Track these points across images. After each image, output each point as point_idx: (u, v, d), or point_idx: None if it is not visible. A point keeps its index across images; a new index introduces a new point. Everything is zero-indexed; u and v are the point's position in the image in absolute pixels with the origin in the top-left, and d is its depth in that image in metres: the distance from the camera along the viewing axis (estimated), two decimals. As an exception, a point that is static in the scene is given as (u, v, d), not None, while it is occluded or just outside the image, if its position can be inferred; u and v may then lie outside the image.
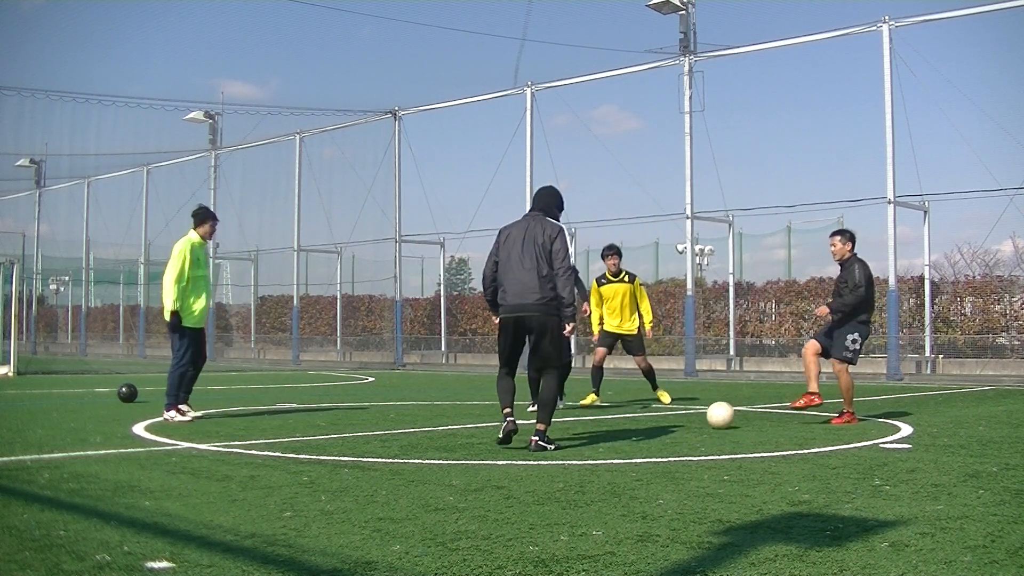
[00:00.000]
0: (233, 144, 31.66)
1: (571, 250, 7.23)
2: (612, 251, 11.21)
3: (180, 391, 9.11)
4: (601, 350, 11.32)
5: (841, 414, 8.81)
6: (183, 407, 9.13)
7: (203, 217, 9.46)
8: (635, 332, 11.28)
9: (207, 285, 9.45)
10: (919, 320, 20.74)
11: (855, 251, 9.10)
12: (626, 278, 11.31)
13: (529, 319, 6.80)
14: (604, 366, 11.45)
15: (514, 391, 7.01)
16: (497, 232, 7.09)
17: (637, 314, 11.38)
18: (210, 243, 9.56)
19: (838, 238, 9.12)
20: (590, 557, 3.47)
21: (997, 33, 22.33)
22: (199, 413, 9.30)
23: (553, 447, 6.64)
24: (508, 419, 6.75)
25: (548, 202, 7.19)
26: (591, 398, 11.05)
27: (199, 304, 9.30)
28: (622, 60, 24.79)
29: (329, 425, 8.50)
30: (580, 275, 11.93)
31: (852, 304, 8.76)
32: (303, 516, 4.22)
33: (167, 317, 9.17)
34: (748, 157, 42.26)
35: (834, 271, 9.44)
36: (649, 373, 11.49)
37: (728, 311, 23.45)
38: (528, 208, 7.30)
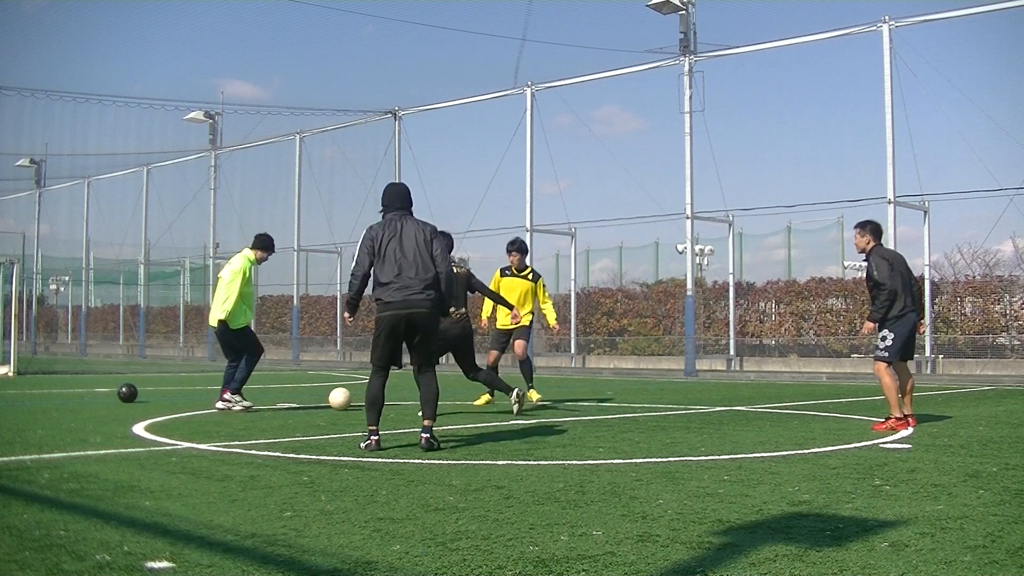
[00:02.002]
0: (233, 144, 31.70)
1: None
2: (515, 246, 11.36)
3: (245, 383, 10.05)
4: (494, 352, 11.12)
5: (885, 419, 8.17)
6: (236, 396, 9.94)
7: (266, 245, 10.50)
8: (527, 324, 11.04)
9: (251, 300, 10.51)
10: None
11: (880, 242, 8.37)
12: (530, 276, 11.39)
13: (419, 316, 6.72)
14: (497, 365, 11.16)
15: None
16: (367, 229, 6.84)
17: (535, 310, 11.45)
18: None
19: (857, 230, 8.41)
20: (590, 557, 3.47)
21: (997, 33, 22.39)
22: (249, 403, 10.04)
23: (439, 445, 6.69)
24: (375, 436, 6.65)
25: (409, 200, 7.06)
26: (484, 399, 10.94)
27: (238, 312, 10.17)
28: (622, 60, 24.88)
29: (329, 425, 8.50)
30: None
31: (885, 306, 8.10)
32: (303, 516, 4.22)
33: (213, 323, 10.25)
34: (748, 157, 42.23)
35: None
36: (526, 366, 11.24)
37: (728, 311, 23.43)
38: (399, 206, 6.95)
